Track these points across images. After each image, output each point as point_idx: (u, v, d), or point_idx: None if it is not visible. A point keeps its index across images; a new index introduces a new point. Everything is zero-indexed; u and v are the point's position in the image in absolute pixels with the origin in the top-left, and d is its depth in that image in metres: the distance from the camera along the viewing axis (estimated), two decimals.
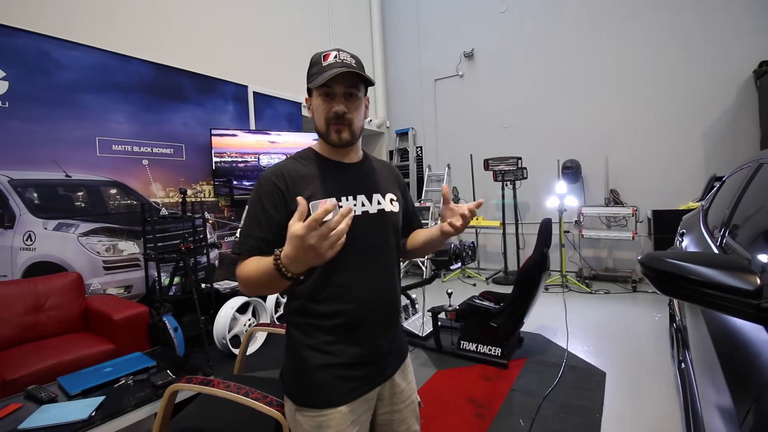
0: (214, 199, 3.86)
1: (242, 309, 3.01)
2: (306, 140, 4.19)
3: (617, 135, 4.87)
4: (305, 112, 4.91)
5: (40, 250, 2.75)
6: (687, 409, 1.68)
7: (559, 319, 3.34)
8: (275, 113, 4.60)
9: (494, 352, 2.61)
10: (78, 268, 2.87)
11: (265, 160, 3.95)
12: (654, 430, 1.92)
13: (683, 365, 2.08)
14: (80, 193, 2.96)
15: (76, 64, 2.96)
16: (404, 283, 4.26)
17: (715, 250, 1.47)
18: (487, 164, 5.20)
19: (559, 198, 4.66)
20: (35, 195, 2.75)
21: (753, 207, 1.39)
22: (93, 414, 1.51)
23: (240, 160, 3.86)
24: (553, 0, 5.20)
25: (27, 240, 2.71)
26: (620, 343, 2.98)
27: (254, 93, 4.37)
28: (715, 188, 2.27)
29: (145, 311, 2.56)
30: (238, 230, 0.90)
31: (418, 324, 3.15)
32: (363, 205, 0.95)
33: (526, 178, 5.02)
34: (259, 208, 0.88)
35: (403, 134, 6.54)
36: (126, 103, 3.23)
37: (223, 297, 3.21)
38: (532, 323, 3.33)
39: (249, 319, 3.03)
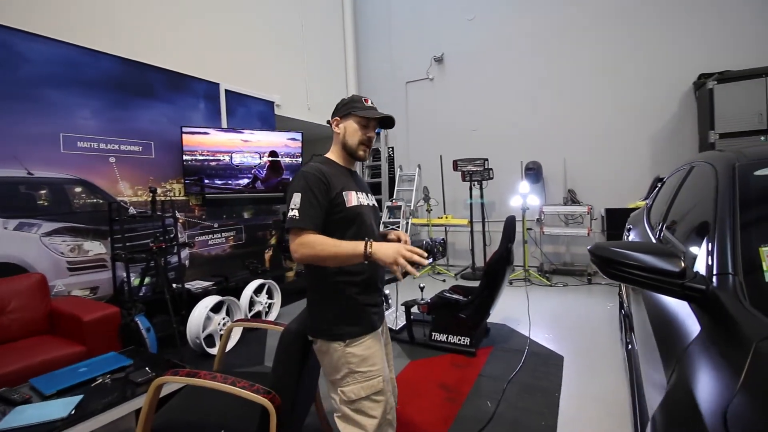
0: (184, 198, 3.80)
1: (216, 308, 3.01)
2: (279, 139, 4.21)
3: (574, 138, 5.21)
4: (297, 116, 4.91)
5: (0, 251, 2.63)
6: (632, 384, 1.90)
7: (522, 311, 3.57)
8: (248, 112, 4.57)
9: (463, 342, 2.77)
10: (41, 269, 2.76)
11: (238, 159, 3.93)
12: (604, 404, 2.14)
13: (629, 347, 2.33)
14: (43, 192, 2.84)
15: (41, 58, 2.85)
16: None
17: (653, 239, 1.68)
18: (456, 165, 5.41)
19: (522, 197, 4.93)
20: None
21: (684, 204, 1.60)
22: (73, 412, 1.51)
23: (212, 158, 3.82)
24: (517, 11, 5.49)
25: None
26: (577, 331, 3.23)
27: (226, 91, 4.32)
28: (657, 188, 2.54)
29: (116, 312, 2.51)
30: (294, 210, 1.16)
31: (392, 318, 3.27)
32: (365, 198, 1.36)
33: (492, 178, 5.27)
34: (312, 196, 1.18)
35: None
36: (93, 98, 3.13)
37: (195, 297, 3.19)
38: (497, 315, 3.53)
39: (223, 318, 3.03)
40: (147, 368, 1.84)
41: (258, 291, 3.54)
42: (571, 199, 5.17)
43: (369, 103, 1.35)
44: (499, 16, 5.62)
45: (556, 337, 3.11)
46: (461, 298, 2.89)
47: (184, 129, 3.67)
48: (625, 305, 2.52)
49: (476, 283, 4.80)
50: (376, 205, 1.46)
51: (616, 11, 4.90)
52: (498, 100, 5.67)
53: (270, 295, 3.64)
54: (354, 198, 1.28)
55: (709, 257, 1.03)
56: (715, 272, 0.96)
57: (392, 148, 6.61)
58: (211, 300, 2.95)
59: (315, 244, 1.14)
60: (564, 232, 5.15)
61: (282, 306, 3.81)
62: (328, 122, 1.39)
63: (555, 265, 5.28)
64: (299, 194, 1.18)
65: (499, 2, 5.61)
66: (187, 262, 3.76)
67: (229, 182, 3.91)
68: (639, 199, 4.84)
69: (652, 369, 1.16)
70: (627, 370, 2.20)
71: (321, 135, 6.70)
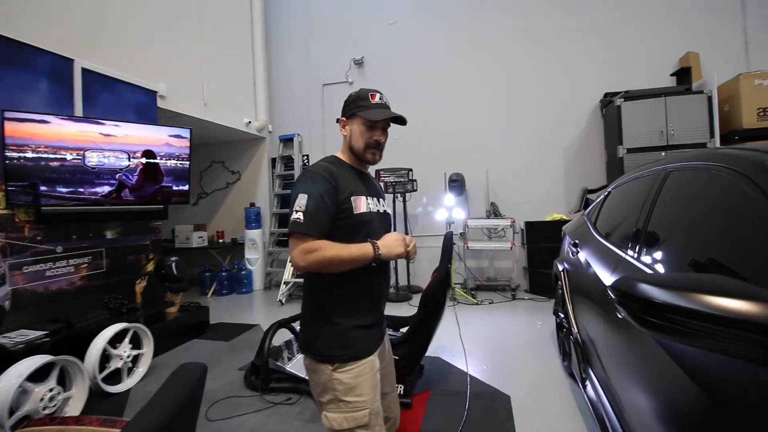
0: (6, 211, 2.69)
1: (41, 374, 2.03)
2: (158, 135, 3.30)
3: (496, 150, 5.15)
4: (190, 113, 3.94)
5: None
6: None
7: (454, 337, 3.19)
8: (117, 101, 3.55)
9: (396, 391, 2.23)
10: None
11: (95, 159, 2.93)
12: None
13: (588, 383, 2.02)
14: None
15: None
16: (289, 312, 3.67)
17: (638, 264, 1.35)
18: (378, 175, 4.97)
19: (448, 210, 4.68)
20: None
21: (682, 220, 1.29)
22: None
23: (54, 156, 2.79)
24: (439, 20, 5.35)
25: None
26: (514, 359, 2.92)
27: (84, 70, 3.30)
28: (600, 199, 2.34)
29: None
30: (298, 213, 1.07)
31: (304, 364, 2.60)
32: (376, 205, 1.24)
33: (416, 190, 4.94)
34: (320, 199, 1.10)
35: (287, 140, 5.93)
36: None
37: (12, 356, 2.16)
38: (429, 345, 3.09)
39: (50, 390, 2.05)
40: None
41: (119, 339, 2.59)
42: (494, 212, 5.07)
43: (377, 99, 1.21)
44: (420, 24, 5.42)
45: (496, 369, 2.75)
46: (393, 333, 2.37)
47: (8, 114, 2.61)
48: (574, 331, 2.25)
49: (400, 307, 4.39)
50: (389, 211, 1.34)
51: (529, 30, 5.01)
52: (420, 109, 5.41)
53: (136, 344, 2.70)
54: (363, 204, 1.18)
55: None
56: None
57: (307, 156, 5.96)
58: (30, 363, 1.97)
59: (322, 247, 1.07)
60: (487, 246, 5.00)
61: (157, 354, 2.88)
62: (338, 121, 1.29)
63: (479, 280, 5.10)
64: (305, 196, 1.10)
65: (421, 9, 5.42)
66: (7, 304, 2.62)
67: (81, 190, 2.89)
68: (569, 212, 4.90)
69: None
70: (587, 410, 1.87)
71: (222, 138, 5.78)
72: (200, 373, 1.09)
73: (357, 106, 1.21)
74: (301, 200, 1.09)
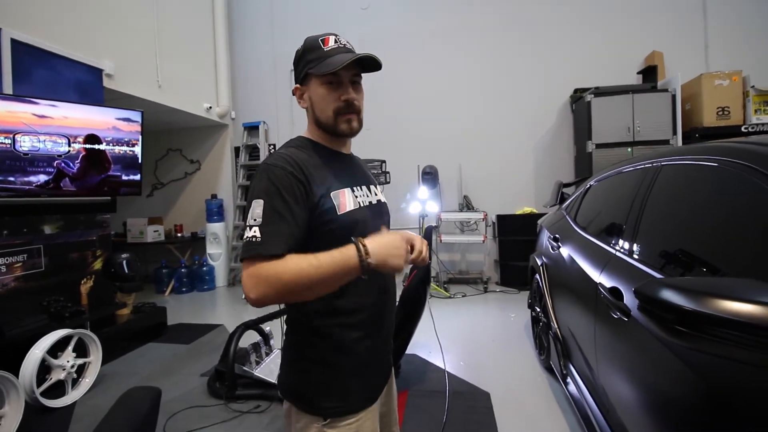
0: None
1: None
2: (103, 117, 2.94)
3: (469, 144, 5.12)
4: (142, 95, 3.54)
5: None
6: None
7: (429, 333, 3.10)
8: (55, 78, 3.15)
9: None
10: None
11: (27, 144, 2.56)
12: None
13: (569, 379, 2.00)
14: None
15: None
16: (256, 311, 3.46)
17: (632, 261, 1.30)
18: None
19: (422, 203, 4.60)
20: None
21: (682, 218, 1.24)
22: None
23: None
24: (413, 7, 5.21)
25: None
26: (489, 352, 2.92)
27: (14, 42, 2.88)
28: (579, 194, 2.32)
29: None
30: (253, 229, 0.75)
31: (274, 368, 2.42)
32: (367, 195, 0.94)
33: (389, 182, 4.82)
34: (281, 203, 0.78)
35: (252, 128, 5.61)
36: None
37: None
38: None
39: None
40: None
41: (61, 347, 2.29)
42: (467, 205, 5.05)
43: (332, 44, 0.87)
44: (394, 11, 5.25)
45: (473, 365, 2.71)
46: None
47: None
48: (554, 326, 2.22)
49: None
50: (385, 201, 1.02)
51: (501, 25, 4.98)
52: (393, 100, 5.27)
53: (82, 352, 2.41)
54: (349, 199, 0.87)
55: None
56: None
57: (274, 145, 5.67)
58: None
59: (281, 272, 0.72)
60: (460, 240, 4.99)
61: (107, 362, 2.60)
62: (294, 93, 0.97)
63: (452, 273, 5.09)
64: (261, 202, 0.78)
65: None
66: None
67: (12, 179, 2.52)
68: (526, 206, 4.98)
69: None
70: (573, 411, 1.85)
71: (179, 124, 5.37)
72: (151, 401, 0.91)
73: (307, 62, 0.88)
74: (256, 209, 0.77)
